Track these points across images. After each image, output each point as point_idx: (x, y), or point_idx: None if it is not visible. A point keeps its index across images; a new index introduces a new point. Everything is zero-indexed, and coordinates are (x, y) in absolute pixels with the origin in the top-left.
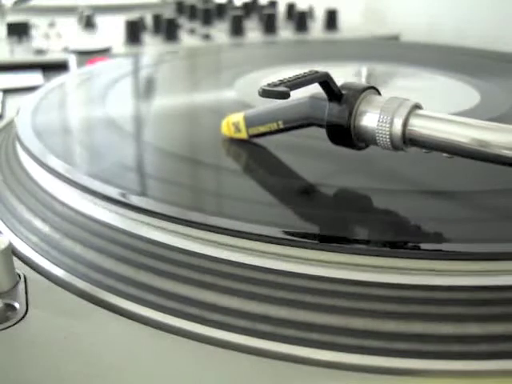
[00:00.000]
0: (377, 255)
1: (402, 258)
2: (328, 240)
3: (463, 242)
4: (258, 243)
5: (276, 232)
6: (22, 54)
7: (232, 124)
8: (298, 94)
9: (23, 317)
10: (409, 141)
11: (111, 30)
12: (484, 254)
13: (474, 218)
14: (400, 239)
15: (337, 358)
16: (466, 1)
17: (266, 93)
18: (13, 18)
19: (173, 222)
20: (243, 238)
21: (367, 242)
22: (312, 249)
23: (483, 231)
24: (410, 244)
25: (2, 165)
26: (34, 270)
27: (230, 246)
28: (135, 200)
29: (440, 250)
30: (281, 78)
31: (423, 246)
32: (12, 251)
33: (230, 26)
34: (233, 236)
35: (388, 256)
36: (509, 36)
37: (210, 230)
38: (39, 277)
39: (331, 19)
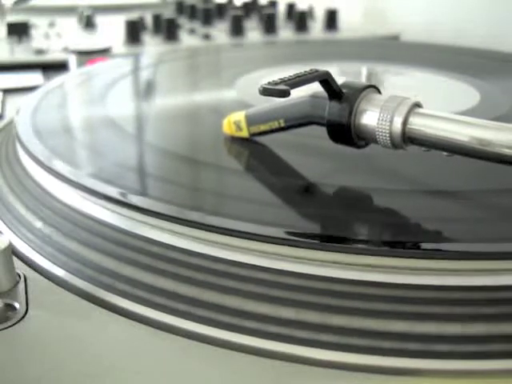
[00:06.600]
0: (377, 255)
1: (402, 258)
2: (329, 240)
3: (464, 242)
4: (259, 243)
5: (276, 232)
6: (22, 54)
7: (233, 123)
8: (299, 93)
9: (23, 317)
10: (408, 139)
11: (111, 30)
12: (486, 253)
13: (473, 217)
14: (401, 239)
15: (338, 358)
16: (466, 1)
17: (266, 91)
18: (13, 18)
19: (173, 221)
20: (244, 238)
21: (367, 242)
22: (313, 249)
23: (483, 231)
24: (411, 244)
25: (3, 165)
26: (34, 270)
27: (231, 245)
28: (135, 200)
29: (440, 250)
30: (281, 77)
31: (424, 245)
32: (12, 251)
33: (230, 26)
34: (233, 236)
35: (388, 256)
36: (509, 36)
37: (210, 230)
38: (39, 277)
39: (331, 19)
